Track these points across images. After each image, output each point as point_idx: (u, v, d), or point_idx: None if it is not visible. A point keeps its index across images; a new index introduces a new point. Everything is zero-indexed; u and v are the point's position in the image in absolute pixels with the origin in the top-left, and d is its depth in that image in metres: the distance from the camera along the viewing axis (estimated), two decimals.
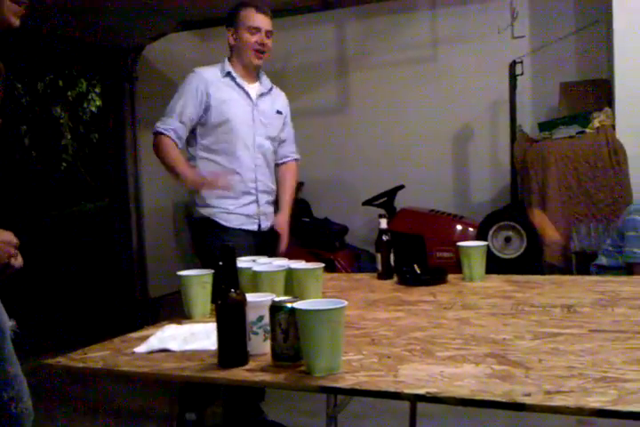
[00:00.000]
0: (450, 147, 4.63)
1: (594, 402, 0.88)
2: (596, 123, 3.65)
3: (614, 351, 1.11)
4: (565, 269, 3.37)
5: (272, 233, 2.40)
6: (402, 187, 4.27)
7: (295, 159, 2.58)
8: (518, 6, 4.28)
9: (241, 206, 2.29)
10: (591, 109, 3.75)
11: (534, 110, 4.28)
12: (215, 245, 2.15)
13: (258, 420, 2.43)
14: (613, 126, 3.60)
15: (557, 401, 0.90)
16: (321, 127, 4.92)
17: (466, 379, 1.01)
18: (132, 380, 2.40)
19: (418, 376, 1.03)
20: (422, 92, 4.59)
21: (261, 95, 2.36)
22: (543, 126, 3.93)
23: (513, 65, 3.92)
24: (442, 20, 4.55)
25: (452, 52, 4.51)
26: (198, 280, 1.51)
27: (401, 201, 4.28)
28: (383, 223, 1.99)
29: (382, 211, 3.97)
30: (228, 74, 2.30)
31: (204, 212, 2.29)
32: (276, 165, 2.50)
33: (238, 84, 2.31)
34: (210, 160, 2.28)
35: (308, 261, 1.66)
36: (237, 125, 2.27)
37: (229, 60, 2.34)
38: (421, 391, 0.96)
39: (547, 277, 2.00)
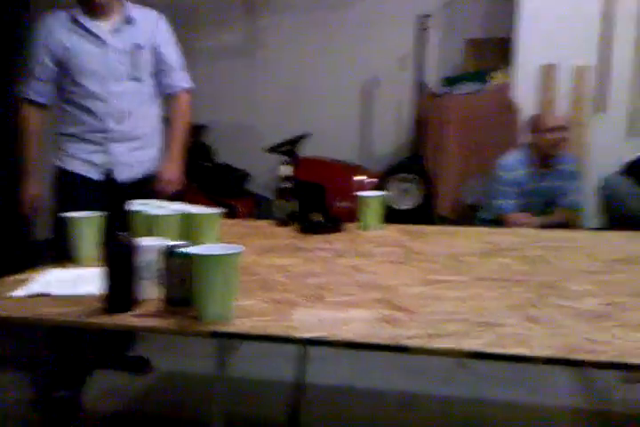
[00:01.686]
0: (357, 97, 4.63)
1: (471, 344, 0.94)
2: (494, 81, 3.77)
3: (494, 298, 1.18)
4: (457, 221, 3.54)
5: (140, 186, 2.20)
6: (307, 135, 4.25)
7: (185, 89, 2.30)
8: None
9: (86, 153, 2.16)
10: (493, 67, 3.87)
11: (440, 66, 4.35)
12: (60, 193, 2.15)
13: (120, 355, 2.43)
14: (510, 85, 3.74)
15: (438, 344, 0.94)
16: (227, 69, 4.75)
17: (354, 323, 1.03)
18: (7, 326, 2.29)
19: (309, 321, 1.05)
20: (332, 40, 4.53)
21: (116, 31, 2.12)
22: (446, 82, 4.02)
23: (421, 19, 3.94)
24: None
25: (364, 1, 4.44)
26: (86, 222, 1.43)
27: (305, 149, 4.27)
28: (284, 170, 1.98)
29: (286, 158, 3.94)
30: (75, 20, 2.10)
31: (55, 158, 2.20)
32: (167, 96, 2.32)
33: (87, 29, 2.10)
34: (63, 109, 2.17)
35: (207, 206, 1.62)
36: (85, 75, 2.10)
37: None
38: (310, 335, 0.98)
39: (438, 227, 2.09)
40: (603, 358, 0.89)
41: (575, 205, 2.96)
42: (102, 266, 1.09)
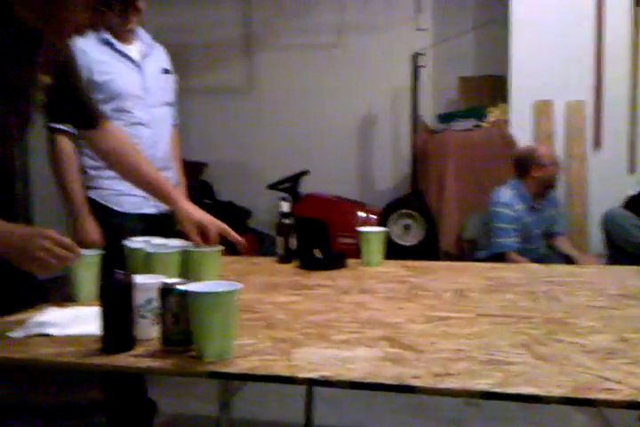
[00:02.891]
0: (354, 134, 4.68)
1: (480, 384, 0.91)
2: (491, 117, 3.82)
3: (500, 335, 1.15)
4: (459, 256, 3.52)
5: (167, 220, 2.05)
6: (307, 172, 4.28)
7: (177, 124, 2.28)
8: None
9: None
10: (487, 104, 3.92)
11: (434, 102, 4.42)
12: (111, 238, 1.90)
13: (135, 397, 2.33)
14: (507, 121, 3.78)
15: (445, 383, 0.91)
16: (226, 107, 4.82)
17: (359, 362, 1.00)
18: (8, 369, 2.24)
19: (311, 360, 1.02)
20: (329, 77, 4.61)
21: (144, 56, 2.06)
22: (442, 118, 4.07)
23: (416, 57, 4.02)
24: (349, 6, 4.57)
25: (359, 40, 4.55)
26: (84, 260, 1.41)
27: (305, 186, 4.29)
28: (285, 207, 1.96)
29: (286, 195, 3.95)
30: (106, 42, 2.00)
31: (94, 194, 2.01)
32: None
33: (121, 52, 2.02)
34: None
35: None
36: (129, 100, 2.00)
37: None
38: (314, 375, 0.95)
39: (440, 263, 2.07)
40: (617, 396, 0.86)
41: (566, 230, 3.11)
42: (99, 305, 1.06)
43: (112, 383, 2.06)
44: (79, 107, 1.46)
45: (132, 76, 2.03)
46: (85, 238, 1.95)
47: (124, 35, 2.02)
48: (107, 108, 1.98)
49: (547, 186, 2.91)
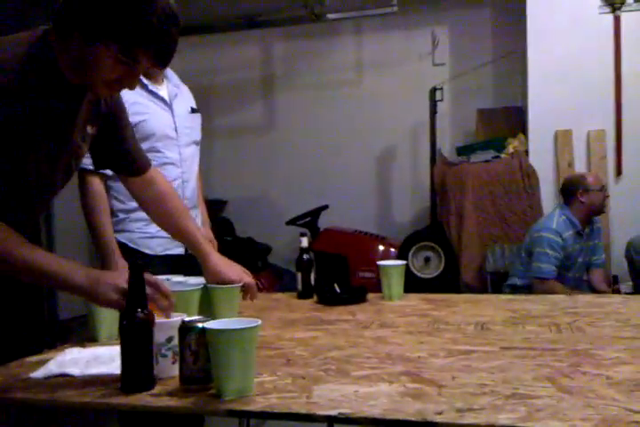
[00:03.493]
0: (373, 168, 4.71)
1: (504, 419, 0.89)
2: (510, 148, 3.82)
3: (524, 368, 1.13)
4: (481, 289, 3.47)
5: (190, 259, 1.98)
6: (326, 207, 4.30)
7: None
8: (439, 35, 4.46)
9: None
10: (506, 135, 3.93)
11: (453, 135, 4.45)
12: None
13: None
14: (527, 152, 3.78)
15: (468, 419, 0.89)
16: (246, 146, 4.90)
17: (379, 398, 0.99)
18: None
19: (331, 397, 1.00)
20: (347, 114, 4.67)
21: (174, 96, 2.06)
22: (461, 150, 4.08)
23: (433, 91, 4.06)
24: (366, 45, 4.67)
25: (376, 77, 4.63)
26: None
27: (324, 221, 4.30)
28: (304, 242, 1.97)
29: (305, 230, 3.96)
30: (139, 82, 1.96)
31: (123, 238, 1.98)
32: None
33: (152, 92, 2.00)
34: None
35: None
36: (160, 140, 1.99)
37: None
38: (334, 412, 0.94)
39: (462, 295, 2.04)
40: None
41: (604, 263, 3.06)
42: (120, 344, 1.07)
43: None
44: (122, 155, 1.49)
45: (165, 116, 2.03)
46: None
47: (154, 75, 2.02)
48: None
49: (593, 212, 2.90)
